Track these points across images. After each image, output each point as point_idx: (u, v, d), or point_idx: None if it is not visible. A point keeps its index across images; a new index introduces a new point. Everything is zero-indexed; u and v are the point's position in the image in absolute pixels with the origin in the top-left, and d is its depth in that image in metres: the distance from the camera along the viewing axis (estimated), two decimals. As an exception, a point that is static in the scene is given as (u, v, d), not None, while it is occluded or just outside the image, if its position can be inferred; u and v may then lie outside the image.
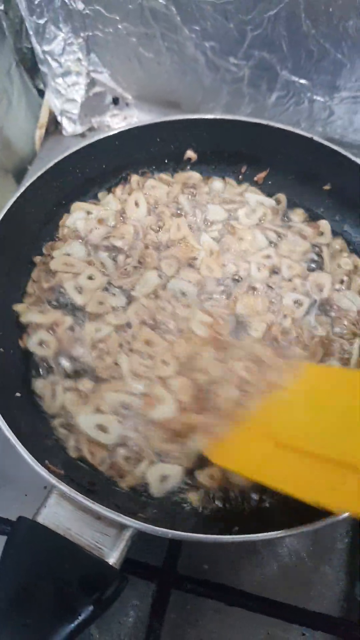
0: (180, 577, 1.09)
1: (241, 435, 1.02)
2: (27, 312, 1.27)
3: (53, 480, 0.93)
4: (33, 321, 1.26)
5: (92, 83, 1.80)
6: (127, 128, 1.39)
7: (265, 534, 0.90)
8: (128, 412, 1.13)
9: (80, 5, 1.60)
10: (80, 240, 1.39)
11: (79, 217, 1.43)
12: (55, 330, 1.24)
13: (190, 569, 1.17)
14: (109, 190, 1.49)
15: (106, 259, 1.36)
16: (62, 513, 0.95)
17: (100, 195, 1.49)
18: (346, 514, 0.90)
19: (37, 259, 1.36)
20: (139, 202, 1.45)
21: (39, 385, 1.20)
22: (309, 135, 1.39)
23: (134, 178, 1.50)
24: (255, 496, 1.09)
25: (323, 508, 0.80)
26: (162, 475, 1.08)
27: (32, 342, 1.24)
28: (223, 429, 1.02)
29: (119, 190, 1.49)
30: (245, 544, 0.99)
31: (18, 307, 1.28)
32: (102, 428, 1.11)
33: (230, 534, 0.92)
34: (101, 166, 1.44)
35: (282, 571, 1.20)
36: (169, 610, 1.13)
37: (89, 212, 1.44)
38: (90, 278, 1.32)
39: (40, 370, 1.22)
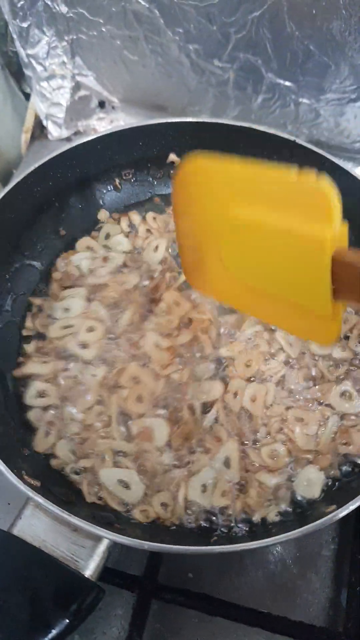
0: (161, 587, 1.08)
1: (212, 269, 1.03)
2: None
3: (28, 491, 0.92)
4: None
5: (77, 86, 1.79)
6: (108, 132, 1.38)
7: (244, 544, 0.90)
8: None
9: (64, 8, 1.59)
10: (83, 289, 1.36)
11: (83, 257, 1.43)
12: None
13: (173, 578, 1.15)
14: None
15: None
16: (38, 525, 0.94)
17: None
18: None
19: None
20: (159, 247, 1.45)
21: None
22: (291, 138, 1.38)
23: (150, 215, 1.51)
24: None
25: None
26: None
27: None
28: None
29: (124, 223, 1.50)
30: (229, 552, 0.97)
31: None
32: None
33: (209, 545, 0.91)
34: (83, 171, 1.43)
35: (267, 579, 1.19)
36: (152, 620, 1.11)
37: (92, 251, 1.45)
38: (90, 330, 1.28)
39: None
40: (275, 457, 1.13)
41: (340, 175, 1.36)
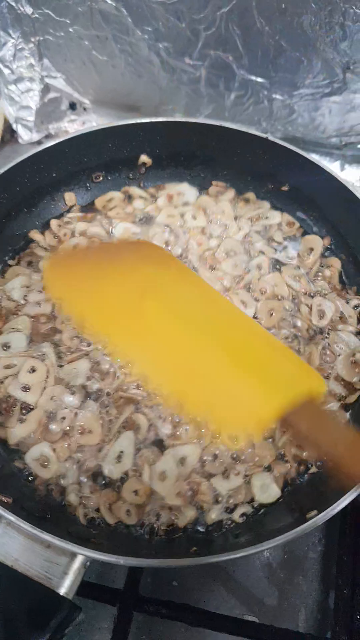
0: (143, 599, 1.05)
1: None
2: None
3: (-1, 509, 0.89)
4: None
5: (46, 89, 1.76)
6: (76, 134, 1.36)
7: (221, 555, 0.87)
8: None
9: (29, 9, 1.56)
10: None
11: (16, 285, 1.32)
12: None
13: (158, 588, 1.14)
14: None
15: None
16: (10, 543, 0.91)
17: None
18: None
19: None
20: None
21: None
22: (263, 135, 1.36)
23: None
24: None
25: None
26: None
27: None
28: None
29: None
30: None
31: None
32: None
33: (187, 557, 0.89)
34: (51, 174, 1.40)
35: (254, 584, 1.18)
36: (137, 632, 1.10)
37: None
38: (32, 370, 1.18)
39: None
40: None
41: (312, 170, 1.35)
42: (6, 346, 1.21)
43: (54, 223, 1.42)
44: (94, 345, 1.20)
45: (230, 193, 1.50)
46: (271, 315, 1.28)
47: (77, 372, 1.17)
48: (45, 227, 1.43)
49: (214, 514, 1.06)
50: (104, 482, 1.08)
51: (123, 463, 1.08)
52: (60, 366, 1.19)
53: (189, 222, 1.43)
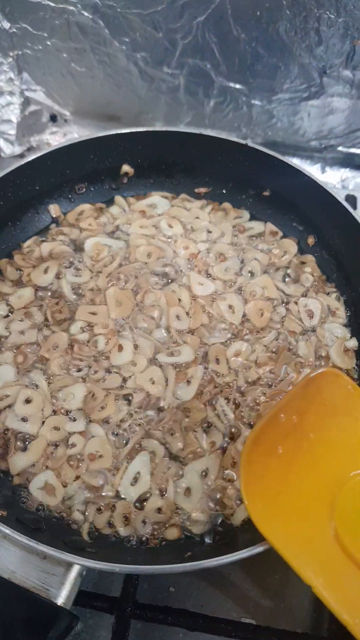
0: (140, 606, 1.05)
1: (296, 505, 0.90)
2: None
3: (-6, 523, 0.89)
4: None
5: (26, 102, 1.77)
6: (57, 147, 1.36)
7: (217, 558, 0.88)
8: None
9: (6, 24, 1.57)
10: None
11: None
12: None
13: (155, 595, 1.14)
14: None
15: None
16: (7, 555, 0.91)
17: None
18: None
19: None
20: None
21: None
22: (242, 141, 1.38)
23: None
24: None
25: None
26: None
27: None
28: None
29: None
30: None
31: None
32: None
33: (182, 562, 0.89)
34: (34, 187, 1.40)
35: (250, 587, 1.18)
36: (136, 639, 1.10)
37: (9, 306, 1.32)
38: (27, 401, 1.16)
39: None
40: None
41: (291, 175, 1.37)
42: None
43: (17, 257, 1.38)
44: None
45: (200, 202, 1.52)
46: (261, 315, 1.29)
47: (73, 397, 1.16)
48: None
49: (240, 516, 1.05)
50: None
51: (140, 485, 1.07)
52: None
53: (166, 231, 1.43)
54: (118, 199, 1.52)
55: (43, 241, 1.42)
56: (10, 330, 1.25)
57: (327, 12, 1.37)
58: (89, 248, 1.39)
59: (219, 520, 1.06)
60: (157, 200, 1.51)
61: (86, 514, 1.05)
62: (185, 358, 1.21)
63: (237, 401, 1.17)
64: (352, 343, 1.27)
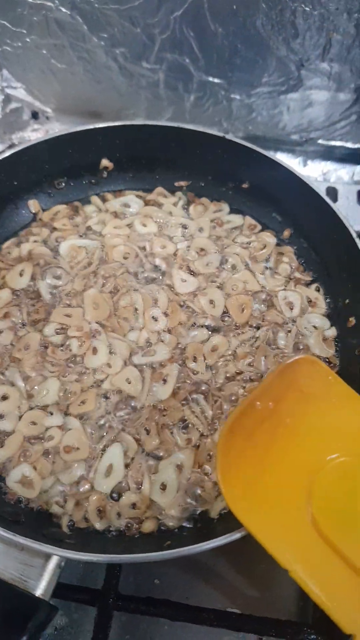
0: (122, 597, 1.06)
1: (273, 491, 0.91)
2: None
3: (-32, 514, 0.89)
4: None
5: (7, 99, 1.76)
6: (35, 142, 1.36)
7: (196, 545, 0.88)
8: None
9: (-16, 22, 1.57)
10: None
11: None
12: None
13: (139, 587, 1.14)
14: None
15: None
16: (-17, 548, 0.91)
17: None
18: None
19: None
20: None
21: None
22: (220, 134, 1.38)
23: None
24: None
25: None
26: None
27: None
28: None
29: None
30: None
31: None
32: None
33: (162, 550, 0.89)
34: (12, 183, 1.40)
35: (235, 577, 1.18)
36: (120, 632, 1.10)
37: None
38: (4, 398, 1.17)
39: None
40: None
41: (270, 167, 1.37)
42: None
43: None
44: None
45: (174, 198, 1.52)
46: (242, 311, 1.29)
47: (47, 392, 1.17)
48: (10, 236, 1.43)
49: (218, 507, 1.06)
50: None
51: (113, 476, 1.07)
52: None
53: (140, 230, 1.43)
54: (94, 199, 1.52)
55: (21, 243, 1.41)
56: None
57: (302, 5, 1.38)
58: (64, 251, 1.38)
59: (198, 512, 1.06)
60: (131, 199, 1.50)
61: (64, 507, 1.05)
62: (160, 357, 1.21)
63: (215, 397, 1.17)
64: (331, 332, 1.28)
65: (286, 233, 1.45)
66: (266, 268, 1.39)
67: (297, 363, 1.02)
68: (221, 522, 1.03)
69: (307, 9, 1.39)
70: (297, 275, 1.38)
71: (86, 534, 1.02)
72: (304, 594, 1.13)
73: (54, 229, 1.44)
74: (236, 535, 0.88)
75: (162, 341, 1.24)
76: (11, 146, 1.82)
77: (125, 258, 1.37)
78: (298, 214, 1.42)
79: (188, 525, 1.05)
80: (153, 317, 1.26)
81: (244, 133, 1.75)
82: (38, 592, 0.88)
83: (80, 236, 1.42)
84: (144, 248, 1.39)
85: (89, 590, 1.06)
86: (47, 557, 0.91)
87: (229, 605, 1.14)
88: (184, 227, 1.44)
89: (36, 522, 1.01)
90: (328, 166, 1.81)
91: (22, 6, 1.52)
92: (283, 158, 1.72)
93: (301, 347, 1.26)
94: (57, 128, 1.84)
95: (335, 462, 0.91)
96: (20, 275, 1.33)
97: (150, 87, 1.67)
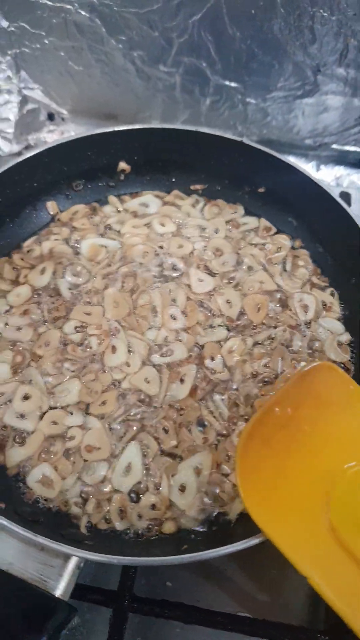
0: (137, 599, 1.06)
1: (292, 498, 0.91)
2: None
3: (-10, 513, 0.90)
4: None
5: (24, 100, 1.77)
6: (54, 144, 1.37)
7: (213, 550, 0.88)
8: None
9: (4, 23, 1.58)
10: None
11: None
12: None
13: (152, 589, 1.14)
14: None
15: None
16: (4, 547, 0.92)
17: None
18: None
19: None
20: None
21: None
22: (238, 138, 1.38)
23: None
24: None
25: None
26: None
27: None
28: None
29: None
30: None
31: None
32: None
33: (179, 554, 0.90)
34: (32, 184, 1.41)
35: (246, 581, 1.18)
36: (133, 634, 1.10)
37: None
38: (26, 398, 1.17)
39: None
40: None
41: (286, 172, 1.38)
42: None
43: (15, 256, 1.40)
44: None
45: (191, 199, 1.53)
46: (258, 310, 1.30)
47: (68, 392, 1.17)
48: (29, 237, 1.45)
49: (236, 509, 1.06)
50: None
51: (132, 475, 1.08)
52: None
53: (159, 229, 1.44)
54: (112, 198, 1.53)
55: (42, 241, 1.42)
56: (9, 324, 1.26)
57: (321, 10, 1.38)
58: (85, 250, 1.39)
59: (215, 513, 1.06)
60: (149, 199, 1.51)
61: (84, 507, 1.05)
62: (179, 356, 1.22)
63: (231, 397, 1.18)
64: (345, 337, 1.28)
65: (297, 243, 1.46)
66: (284, 270, 1.39)
67: (316, 369, 1.02)
68: (238, 526, 1.03)
69: (325, 14, 1.39)
70: (315, 280, 1.38)
71: (103, 535, 1.02)
72: (315, 600, 1.16)
73: (74, 228, 1.45)
74: (255, 541, 0.88)
75: (180, 340, 1.24)
76: (27, 147, 1.83)
77: (143, 257, 1.38)
78: (314, 219, 1.42)
79: (201, 529, 1.05)
80: (172, 316, 1.27)
81: (258, 137, 1.76)
82: (57, 593, 0.88)
83: (100, 235, 1.43)
84: (161, 247, 1.40)
85: (104, 591, 1.07)
86: (67, 557, 0.91)
87: (239, 610, 1.14)
88: (202, 228, 1.45)
89: (54, 522, 1.02)
90: (341, 171, 1.81)
91: (42, 9, 1.53)
92: (296, 162, 1.72)
93: (316, 351, 1.26)
94: (72, 130, 1.85)
95: (353, 470, 0.92)
96: (42, 273, 1.34)
97: (166, 90, 1.68)
